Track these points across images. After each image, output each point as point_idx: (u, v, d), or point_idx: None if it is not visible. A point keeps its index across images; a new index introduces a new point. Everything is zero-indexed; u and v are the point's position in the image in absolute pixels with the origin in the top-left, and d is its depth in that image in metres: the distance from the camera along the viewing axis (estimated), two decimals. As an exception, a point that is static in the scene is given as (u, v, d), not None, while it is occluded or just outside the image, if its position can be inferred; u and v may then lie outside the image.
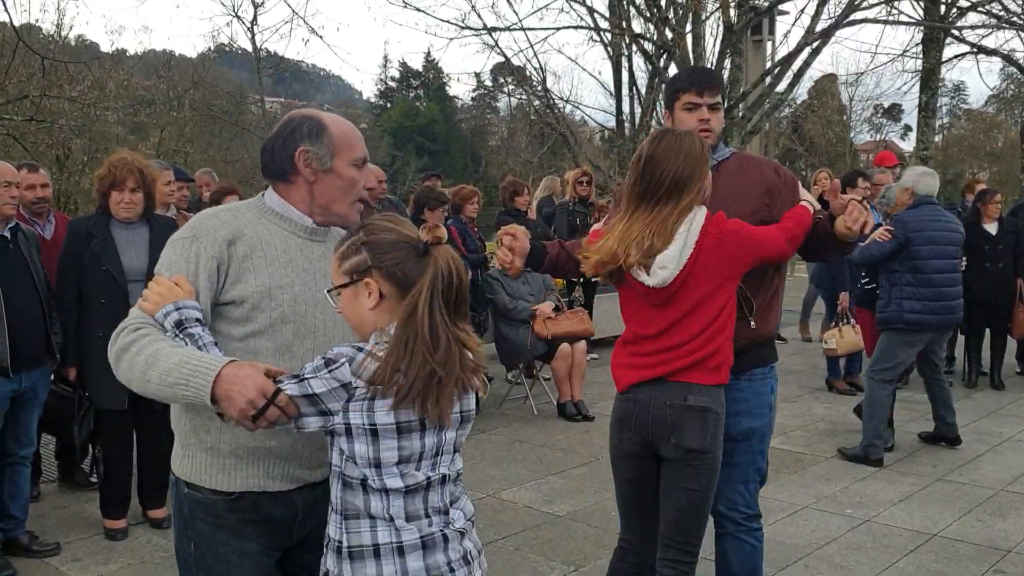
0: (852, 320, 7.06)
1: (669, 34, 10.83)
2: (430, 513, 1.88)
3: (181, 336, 1.94)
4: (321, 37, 33.20)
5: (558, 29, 11.50)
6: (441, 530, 1.88)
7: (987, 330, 7.65)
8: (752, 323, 2.94)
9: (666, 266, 2.64)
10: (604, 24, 11.68)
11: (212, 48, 25.93)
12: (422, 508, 1.87)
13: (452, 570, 1.88)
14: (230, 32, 54.88)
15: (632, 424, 2.77)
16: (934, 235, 5.51)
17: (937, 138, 33.76)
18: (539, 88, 13.76)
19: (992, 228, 7.26)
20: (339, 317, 1.99)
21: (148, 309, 1.99)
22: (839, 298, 7.15)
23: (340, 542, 1.86)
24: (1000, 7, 13.67)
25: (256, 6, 18.21)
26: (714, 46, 11.42)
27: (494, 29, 11.38)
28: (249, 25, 18.67)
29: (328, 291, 1.95)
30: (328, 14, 30.62)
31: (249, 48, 20.14)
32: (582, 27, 11.56)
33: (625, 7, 11.48)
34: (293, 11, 19.41)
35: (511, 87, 30.05)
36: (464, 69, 68.45)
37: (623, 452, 2.84)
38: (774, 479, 5.28)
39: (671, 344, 2.70)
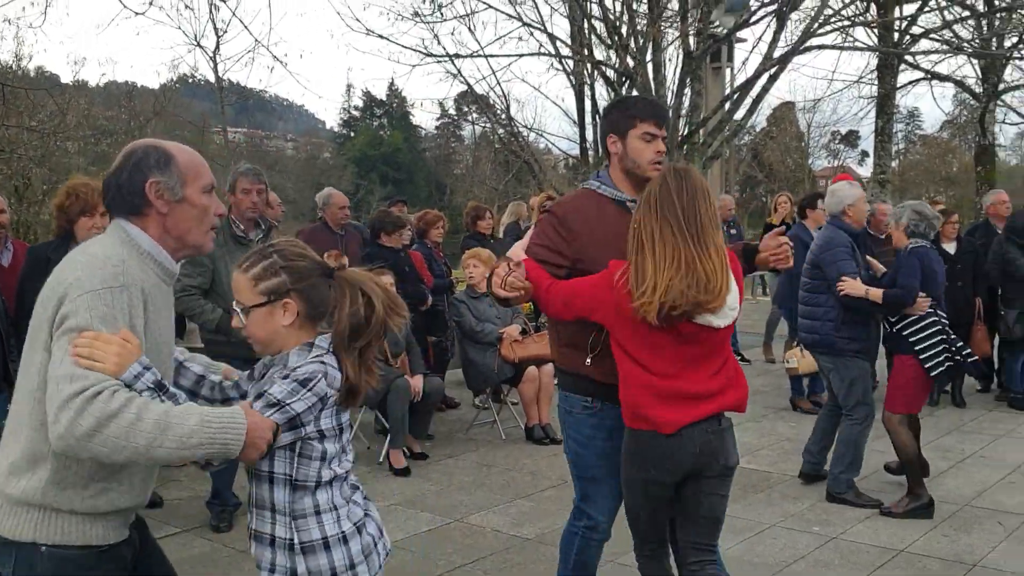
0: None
1: (631, 62, 10.96)
2: (348, 500, 2.20)
3: (163, 398, 1.92)
4: (284, 65, 33.11)
5: (520, 56, 11.62)
6: (365, 513, 2.24)
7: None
8: None
9: (735, 307, 2.82)
10: (565, 51, 11.78)
11: (175, 78, 25.79)
12: (348, 495, 2.21)
13: (375, 543, 2.24)
14: (192, 60, 54.65)
15: (678, 457, 2.86)
16: None
17: (894, 163, 34.39)
18: (503, 116, 13.84)
19: (950, 248, 7.39)
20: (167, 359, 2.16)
21: (110, 371, 1.86)
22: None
23: (292, 540, 2.11)
24: (951, 34, 14.02)
25: (219, 35, 18.16)
26: (674, 74, 11.57)
27: (456, 56, 11.46)
28: (211, 54, 18.59)
29: (240, 308, 2.16)
30: (291, 42, 30.61)
31: (212, 78, 20.06)
32: (544, 54, 11.67)
33: (586, 35, 11.60)
34: (256, 40, 19.28)
35: (475, 115, 30.21)
36: (428, 96, 68.56)
37: (660, 483, 2.90)
38: (741, 498, 5.31)
39: (722, 384, 2.89)
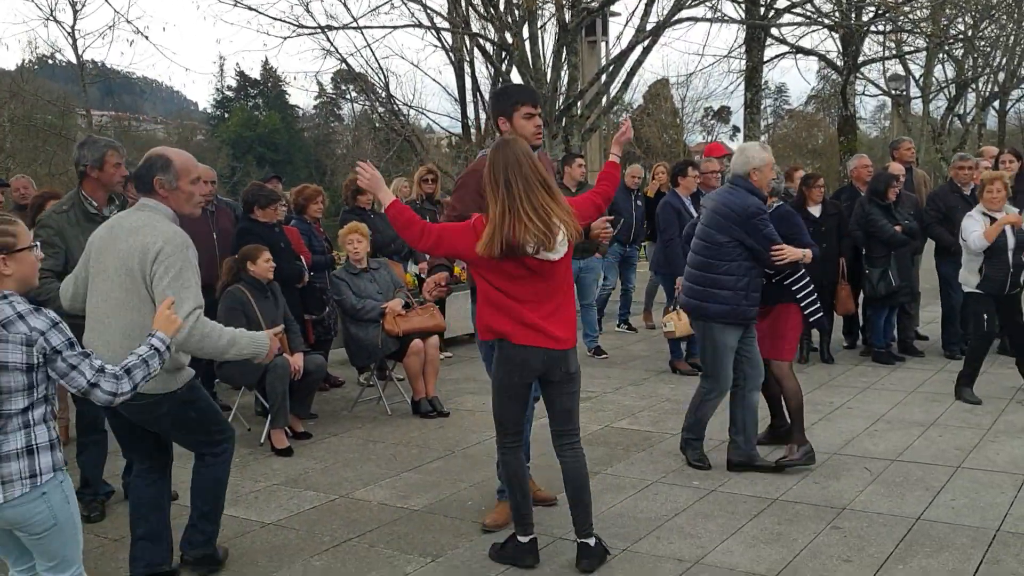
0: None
1: (510, 38, 10.95)
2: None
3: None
4: (147, 37, 31.72)
5: (395, 28, 11.40)
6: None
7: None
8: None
9: (565, 244, 3.65)
10: (442, 23, 11.68)
11: (33, 58, 24.32)
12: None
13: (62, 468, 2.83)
14: (47, 35, 51.51)
15: (531, 363, 3.74)
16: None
17: (763, 137, 35.66)
18: (383, 94, 13.64)
19: (816, 211, 7.68)
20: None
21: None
22: (676, 282, 7.38)
23: (29, 443, 2.71)
24: (813, 8, 14.56)
25: (76, 9, 17.18)
26: (551, 48, 11.62)
27: (328, 28, 11.18)
28: (69, 29, 17.58)
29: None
30: (155, 15, 29.21)
31: (72, 56, 19.00)
32: (419, 25, 11.51)
33: (463, 6, 11.52)
34: (116, 11, 18.37)
35: (354, 94, 29.65)
36: (303, 70, 66.59)
37: (515, 384, 3.80)
38: (624, 457, 5.42)
39: (559, 323, 3.77)
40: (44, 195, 5.99)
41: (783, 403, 5.46)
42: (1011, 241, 6.42)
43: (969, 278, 6.58)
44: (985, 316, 6.48)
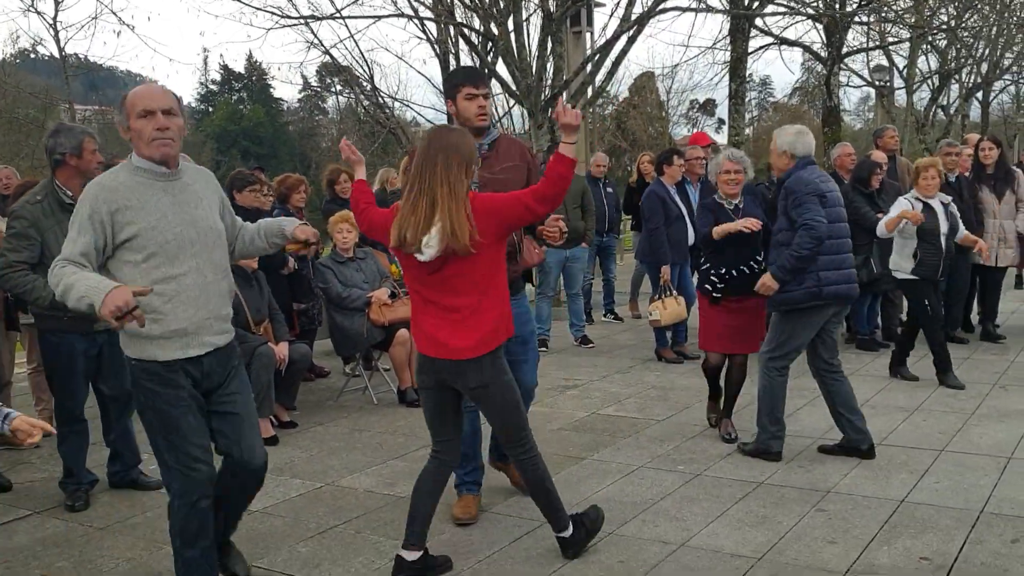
0: (674, 292, 7.35)
1: (496, 29, 10.92)
2: None
3: None
4: (132, 28, 31.44)
5: (379, 18, 11.33)
6: None
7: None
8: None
9: (432, 246, 3.35)
10: (425, 13, 11.63)
11: (14, 53, 24.03)
12: None
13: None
14: (27, 25, 50.95)
15: (430, 372, 3.59)
16: (830, 196, 4.88)
17: (748, 130, 35.73)
18: (367, 87, 13.57)
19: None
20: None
21: None
22: (661, 271, 7.40)
23: None
24: (797, -1, 14.59)
25: (57, 0, 16.97)
26: (539, 37, 11.59)
27: (311, 18, 11.11)
28: (51, 21, 17.37)
29: None
30: (139, 7, 28.88)
31: (54, 49, 18.78)
32: (402, 15, 11.46)
33: (447, -3, 11.49)
34: (99, 1, 18.08)
35: (338, 87, 29.53)
36: (287, 60, 66.18)
37: (424, 388, 3.66)
38: (610, 443, 5.43)
39: (451, 333, 3.55)
40: (26, 184, 5.96)
41: (728, 392, 5.55)
42: (944, 226, 6.44)
43: (902, 263, 6.55)
44: (927, 302, 6.48)
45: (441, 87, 15.79)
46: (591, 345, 8.55)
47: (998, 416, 5.71)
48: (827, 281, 4.77)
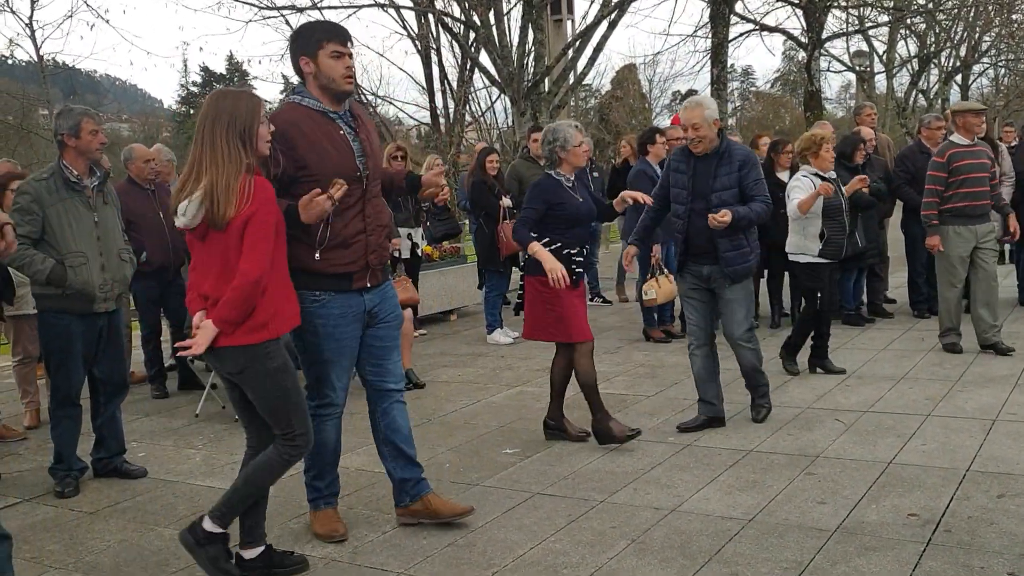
0: (666, 271, 7.35)
1: (477, 20, 10.93)
2: None
3: None
4: (107, 21, 31.30)
5: (358, 8, 11.29)
6: None
7: (787, 273, 8.14)
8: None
9: (184, 215, 3.16)
10: (404, 2, 11.62)
11: (-9, 57, 23.85)
12: None
13: None
14: (2, 22, 50.53)
15: None
16: None
17: (732, 120, 35.84)
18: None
19: (784, 176, 7.73)
20: None
21: None
22: (652, 250, 7.41)
23: None
24: (776, -17, 14.66)
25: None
26: (521, 24, 11.61)
27: (289, 9, 11.09)
28: (27, 21, 17.28)
29: None
30: (113, 3, 28.84)
31: (31, 51, 18.66)
32: (381, 5, 11.43)
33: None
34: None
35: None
36: (265, 54, 66.08)
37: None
38: (600, 417, 5.43)
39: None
40: (9, 174, 5.99)
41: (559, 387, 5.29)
42: (844, 204, 6.19)
43: (808, 245, 6.13)
44: (819, 294, 6.15)
45: (423, 84, 15.77)
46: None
47: (983, 381, 5.76)
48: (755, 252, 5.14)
